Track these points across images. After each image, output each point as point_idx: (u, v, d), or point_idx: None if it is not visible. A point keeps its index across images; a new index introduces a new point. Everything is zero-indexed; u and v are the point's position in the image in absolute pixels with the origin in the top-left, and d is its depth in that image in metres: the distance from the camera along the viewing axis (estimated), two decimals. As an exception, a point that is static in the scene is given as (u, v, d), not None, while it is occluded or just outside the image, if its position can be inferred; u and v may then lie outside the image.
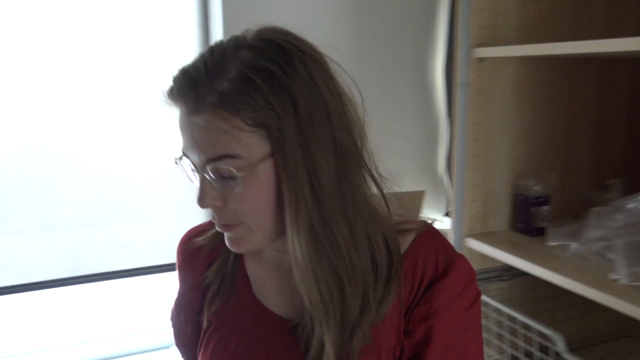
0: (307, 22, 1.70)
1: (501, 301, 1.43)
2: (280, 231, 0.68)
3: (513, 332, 1.39)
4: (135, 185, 1.49)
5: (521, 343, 1.36)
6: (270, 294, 0.78)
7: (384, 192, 0.74)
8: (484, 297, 1.44)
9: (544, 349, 1.30)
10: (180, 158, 0.69)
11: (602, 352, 1.61)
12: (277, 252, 0.77)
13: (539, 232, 1.47)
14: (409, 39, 1.65)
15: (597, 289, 1.14)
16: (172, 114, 0.67)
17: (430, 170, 1.78)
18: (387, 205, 0.74)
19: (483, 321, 1.48)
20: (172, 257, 0.94)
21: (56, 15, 1.38)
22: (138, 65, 1.45)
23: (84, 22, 1.40)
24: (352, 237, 0.67)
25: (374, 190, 0.72)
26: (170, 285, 1.32)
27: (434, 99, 1.72)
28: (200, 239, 0.85)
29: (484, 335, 1.49)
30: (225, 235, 0.71)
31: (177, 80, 0.65)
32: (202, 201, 0.67)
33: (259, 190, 0.65)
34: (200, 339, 0.82)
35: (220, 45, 0.66)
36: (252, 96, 0.62)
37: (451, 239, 1.51)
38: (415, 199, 1.99)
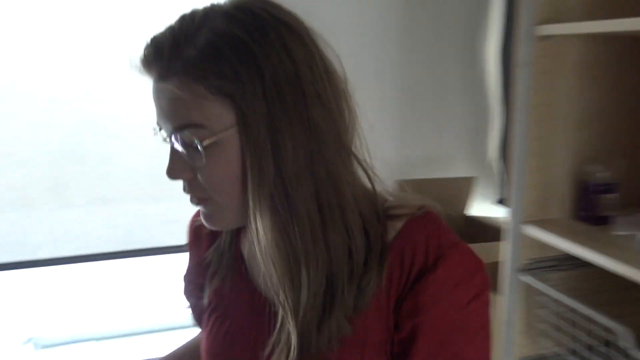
0: (356, 1, 1.66)
1: (560, 291, 1.36)
2: None
3: (573, 324, 1.32)
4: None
5: (583, 336, 1.29)
6: (257, 274, 0.76)
7: (371, 175, 0.69)
8: (541, 286, 1.38)
9: (607, 344, 1.22)
10: (160, 129, 0.67)
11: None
12: None
13: (603, 221, 1.39)
14: (460, 17, 1.59)
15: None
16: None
17: (480, 155, 1.72)
18: (374, 188, 0.69)
19: (539, 311, 1.42)
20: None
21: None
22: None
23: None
24: (322, 220, 0.63)
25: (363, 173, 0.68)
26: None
27: (485, 80, 1.65)
28: None
29: (540, 326, 1.43)
30: (200, 210, 0.69)
31: (147, 48, 0.63)
32: (170, 172, 0.65)
33: (223, 163, 0.63)
34: (204, 317, 0.82)
35: (192, 13, 0.63)
36: (218, 64, 0.60)
37: (508, 226, 1.44)
38: (463, 186, 1.93)
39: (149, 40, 0.63)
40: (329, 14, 1.63)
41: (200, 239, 0.84)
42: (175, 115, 0.62)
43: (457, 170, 1.81)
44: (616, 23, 1.17)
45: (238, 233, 0.80)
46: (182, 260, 0.90)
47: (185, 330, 1.63)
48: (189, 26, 0.62)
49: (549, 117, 1.41)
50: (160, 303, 1.76)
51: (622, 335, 1.16)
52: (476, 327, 0.67)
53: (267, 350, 0.68)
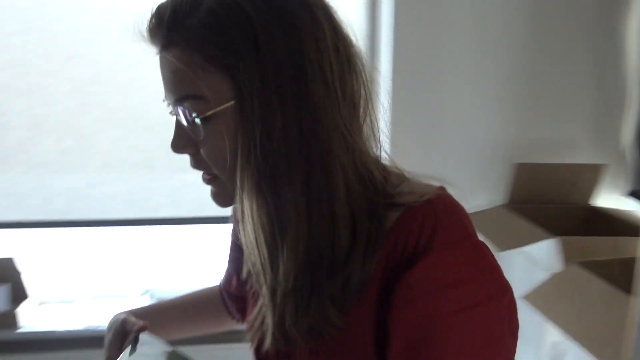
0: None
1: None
2: None
3: None
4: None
5: None
6: None
7: (377, 159, 0.65)
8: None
9: None
10: (168, 104, 0.65)
11: None
12: None
13: None
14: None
15: None
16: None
17: (610, 141, 1.57)
18: (382, 175, 0.65)
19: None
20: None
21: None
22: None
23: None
24: (308, 208, 0.59)
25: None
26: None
27: (621, 59, 1.49)
28: None
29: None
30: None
31: (151, 18, 0.61)
32: (174, 146, 0.64)
33: (220, 139, 0.60)
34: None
35: None
36: (216, 34, 0.57)
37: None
38: (589, 174, 1.77)
39: (154, 9, 0.63)
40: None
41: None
42: (176, 86, 0.61)
43: (583, 157, 1.67)
44: None
45: None
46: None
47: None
48: None
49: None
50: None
51: None
52: (458, 344, 0.57)
53: (246, 327, 0.69)
